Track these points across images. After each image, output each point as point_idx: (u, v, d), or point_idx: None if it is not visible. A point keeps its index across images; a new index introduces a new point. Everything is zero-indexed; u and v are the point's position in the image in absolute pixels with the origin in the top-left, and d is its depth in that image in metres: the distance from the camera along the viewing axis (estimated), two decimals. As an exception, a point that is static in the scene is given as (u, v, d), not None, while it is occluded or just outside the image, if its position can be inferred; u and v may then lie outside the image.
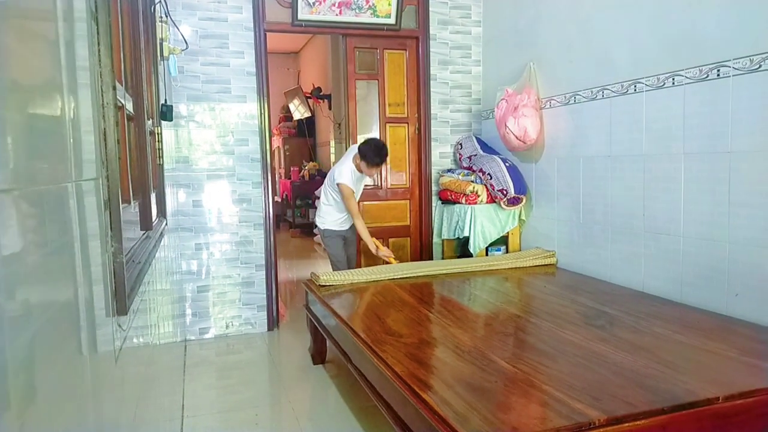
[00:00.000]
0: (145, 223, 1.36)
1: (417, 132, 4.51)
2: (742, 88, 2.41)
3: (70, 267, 0.68)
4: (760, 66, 2.33)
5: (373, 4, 4.11)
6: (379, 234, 4.52)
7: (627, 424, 1.53)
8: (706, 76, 2.58)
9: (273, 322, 4.15)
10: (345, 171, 3.63)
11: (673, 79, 2.75)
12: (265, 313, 4.11)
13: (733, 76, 2.45)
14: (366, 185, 4.04)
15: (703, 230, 2.65)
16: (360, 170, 3.63)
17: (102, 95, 0.88)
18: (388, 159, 4.48)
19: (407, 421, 1.83)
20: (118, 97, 1.14)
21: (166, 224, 2.25)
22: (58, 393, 0.57)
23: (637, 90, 2.97)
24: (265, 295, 4.10)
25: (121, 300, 0.90)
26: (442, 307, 2.94)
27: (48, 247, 0.60)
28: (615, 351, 2.07)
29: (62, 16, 0.71)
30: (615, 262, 3.22)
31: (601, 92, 3.24)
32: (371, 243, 3.68)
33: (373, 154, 3.49)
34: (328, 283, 3.33)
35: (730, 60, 2.46)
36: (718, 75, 2.52)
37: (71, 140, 0.68)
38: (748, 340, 2.14)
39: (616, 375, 1.85)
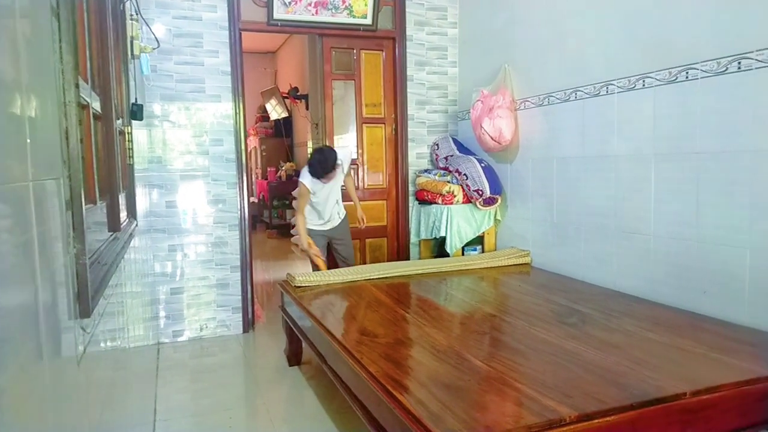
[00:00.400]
0: (113, 224, 1.33)
1: (394, 132, 4.52)
2: (710, 90, 2.47)
3: (29, 268, 0.66)
4: (726, 69, 2.39)
5: (350, 5, 4.10)
6: (356, 235, 4.51)
7: (597, 421, 1.55)
8: (675, 78, 2.64)
9: (248, 324, 4.11)
10: (307, 172, 3.70)
11: (644, 81, 2.80)
12: (241, 315, 4.07)
13: (701, 78, 2.51)
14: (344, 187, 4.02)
15: (672, 230, 2.70)
16: None
17: (64, 93, 0.86)
18: (365, 159, 4.51)
19: (382, 422, 1.82)
20: (83, 95, 1.11)
21: (137, 225, 2.21)
22: (14, 398, 0.56)
23: (609, 92, 3.02)
24: (240, 297, 4.06)
25: (85, 302, 0.88)
26: (418, 307, 2.95)
27: (4, 247, 0.58)
28: (586, 349, 2.10)
29: (20, 12, 0.69)
30: (588, 262, 3.27)
31: (573, 94, 3.29)
32: (304, 240, 3.69)
33: (319, 167, 3.54)
34: (304, 284, 3.31)
35: (698, 63, 2.52)
36: (687, 77, 2.58)
37: (28, 140, 0.66)
38: (715, 337, 2.19)
39: (587, 372, 1.87)
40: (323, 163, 3.53)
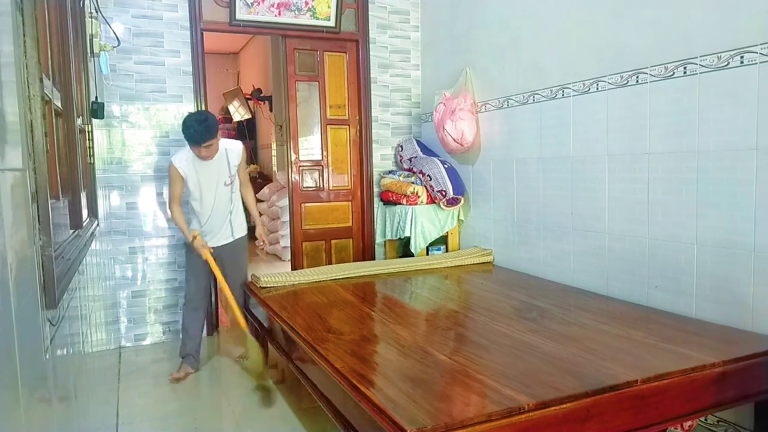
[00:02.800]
0: (75, 221, 1.32)
1: (358, 134, 4.55)
2: (658, 93, 2.60)
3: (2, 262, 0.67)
4: (673, 73, 2.52)
5: (313, 7, 4.12)
6: (322, 236, 4.53)
7: (554, 408, 1.62)
8: (626, 82, 2.76)
9: (212, 327, 4.07)
10: (182, 152, 3.16)
11: (598, 84, 2.92)
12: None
13: (650, 82, 2.64)
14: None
15: (625, 227, 2.82)
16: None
17: (28, 87, 0.86)
18: (330, 160, 4.52)
19: (348, 416, 1.85)
20: (45, 91, 1.11)
21: (98, 226, 2.18)
22: None
23: (565, 95, 3.13)
24: (204, 300, 4.01)
25: (51, 293, 0.88)
26: (383, 306, 2.99)
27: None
28: (544, 341, 2.18)
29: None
30: (547, 259, 3.37)
31: (532, 97, 3.39)
32: (186, 233, 3.20)
33: (190, 135, 2.96)
34: (269, 285, 3.31)
35: (647, 67, 2.64)
36: (637, 81, 2.70)
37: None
38: (665, 328, 2.30)
39: (545, 363, 1.95)
40: (203, 123, 2.92)
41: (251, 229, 3.54)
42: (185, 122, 2.97)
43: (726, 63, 2.30)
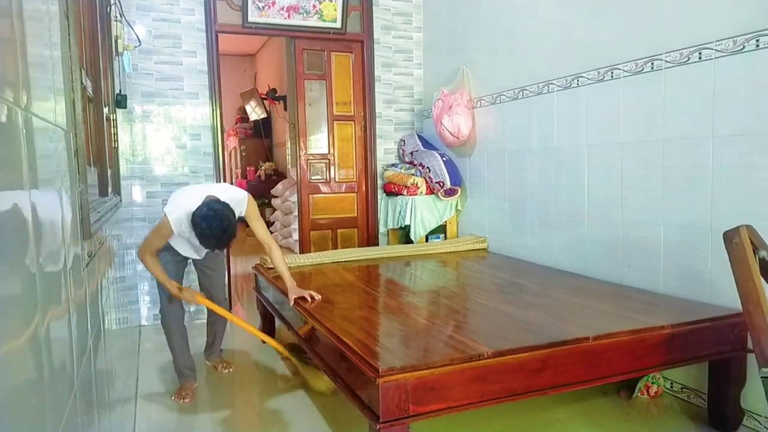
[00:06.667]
0: (102, 189, 1.60)
1: (363, 129, 4.82)
2: (629, 88, 2.82)
3: (57, 188, 0.94)
4: (642, 69, 2.74)
5: (320, 10, 4.40)
6: (328, 225, 4.81)
7: (510, 356, 1.86)
8: (603, 77, 2.98)
9: (227, 309, 4.35)
10: (180, 210, 2.51)
11: (578, 80, 3.15)
12: (218, 299, 4.31)
13: (623, 77, 2.86)
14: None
15: (602, 212, 3.04)
16: None
17: (71, 73, 1.14)
18: (336, 155, 4.80)
19: (337, 369, 2.12)
20: (81, 79, 1.39)
21: (121, 203, 2.47)
22: (49, 281, 0.83)
23: (550, 90, 3.36)
24: (217, 282, 4.30)
25: (86, 227, 1.16)
26: (379, 284, 3.25)
27: (50, 167, 0.87)
28: (517, 309, 2.42)
29: (49, 17, 0.98)
30: (535, 244, 3.60)
31: (521, 92, 3.63)
32: (172, 288, 2.71)
33: (206, 240, 2.42)
34: (275, 266, 3.58)
35: (620, 63, 2.87)
36: (612, 76, 2.92)
37: (53, 101, 0.95)
38: (629, 301, 2.53)
39: (512, 325, 2.19)
40: (225, 231, 2.37)
41: None
42: (199, 225, 2.35)
43: (687, 59, 2.52)
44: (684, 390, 2.63)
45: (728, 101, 2.35)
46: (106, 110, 2.06)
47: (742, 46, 2.28)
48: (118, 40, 2.77)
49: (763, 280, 1.85)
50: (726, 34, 2.34)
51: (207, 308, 3.08)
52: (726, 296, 2.34)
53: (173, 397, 2.84)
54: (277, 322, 3.47)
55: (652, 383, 2.67)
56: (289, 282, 2.76)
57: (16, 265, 0.64)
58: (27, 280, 0.67)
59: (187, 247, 2.82)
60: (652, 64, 2.69)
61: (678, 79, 2.57)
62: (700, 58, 2.46)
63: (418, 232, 4.37)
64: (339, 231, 4.86)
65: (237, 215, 2.57)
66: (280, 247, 3.34)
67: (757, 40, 2.22)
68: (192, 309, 4.25)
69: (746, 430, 2.32)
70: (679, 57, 2.55)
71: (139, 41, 3.77)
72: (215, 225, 2.32)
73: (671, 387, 2.69)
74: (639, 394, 2.67)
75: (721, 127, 2.39)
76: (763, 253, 1.86)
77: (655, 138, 2.70)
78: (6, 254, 0.59)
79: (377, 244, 4.84)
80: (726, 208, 2.39)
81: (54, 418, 0.79)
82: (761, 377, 1.74)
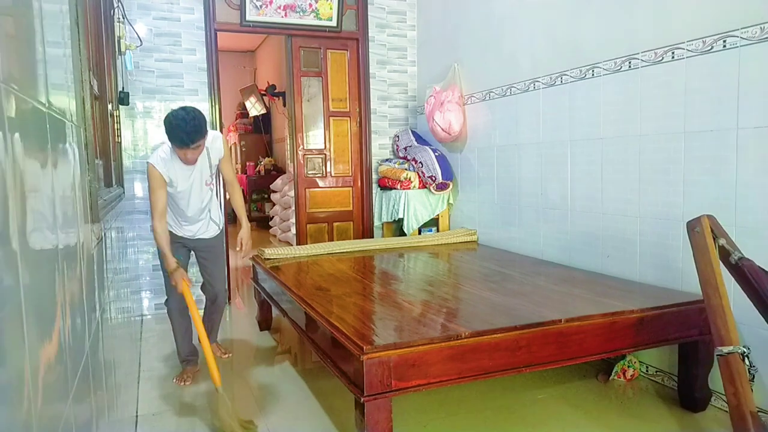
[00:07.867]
0: (107, 180, 1.73)
1: (358, 125, 4.96)
2: (609, 85, 2.95)
3: (71, 175, 1.08)
4: (620, 68, 2.87)
5: (316, 8, 4.53)
6: (325, 219, 4.95)
7: (486, 337, 2.00)
8: (584, 75, 3.11)
9: (225, 300, 4.50)
10: (158, 151, 2.68)
11: (562, 78, 3.27)
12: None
13: (603, 75, 2.99)
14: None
15: (584, 204, 3.18)
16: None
17: (81, 74, 1.27)
18: (332, 150, 4.95)
19: (325, 348, 2.26)
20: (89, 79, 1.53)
21: (124, 194, 2.61)
22: (65, 253, 0.97)
23: (536, 87, 3.49)
24: (217, 273, 4.45)
25: (95, 211, 1.30)
26: (370, 273, 3.38)
27: (56, 161, 1.01)
28: (497, 296, 2.55)
29: (64, 25, 1.12)
30: (522, 236, 3.74)
31: (509, 90, 3.76)
32: (170, 259, 2.73)
33: (177, 136, 2.48)
34: (272, 257, 3.73)
35: (601, 62, 3.00)
36: (593, 74, 3.05)
37: (68, 98, 1.09)
38: (604, 288, 2.66)
39: (491, 308, 2.33)
40: (192, 121, 2.44)
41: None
42: (170, 122, 2.45)
43: (660, 58, 2.65)
44: (658, 373, 2.77)
45: (698, 98, 2.49)
46: (110, 107, 2.19)
47: (710, 47, 2.41)
48: (121, 41, 2.91)
49: (722, 265, 1.99)
50: (696, 35, 2.47)
51: (205, 298, 3.21)
52: (695, 284, 2.46)
53: (174, 380, 2.99)
54: (274, 311, 3.62)
55: (629, 367, 2.81)
56: (245, 223, 3.01)
57: (42, 236, 0.77)
58: (51, 243, 0.81)
59: (180, 218, 2.88)
60: (630, 62, 2.81)
61: (653, 78, 2.70)
62: (672, 57, 2.59)
63: (411, 225, 4.50)
64: (335, 224, 5.00)
65: (215, 155, 2.80)
66: (279, 241, 3.53)
67: (725, 41, 2.35)
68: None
69: (714, 409, 2.46)
70: (654, 56, 2.68)
71: (141, 41, 3.90)
72: (182, 115, 2.44)
73: (647, 371, 2.83)
74: (616, 377, 2.81)
75: (691, 122, 2.52)
76: (722, 241, 2.00)
77: (632, 133, 2.83)
78: (38, 224, 0.73)
79: (372, 237, 4.98)
80: (696, 199, 2.52)
81: (72, 370, 0.93)
82: (716, 355, 1.88)
